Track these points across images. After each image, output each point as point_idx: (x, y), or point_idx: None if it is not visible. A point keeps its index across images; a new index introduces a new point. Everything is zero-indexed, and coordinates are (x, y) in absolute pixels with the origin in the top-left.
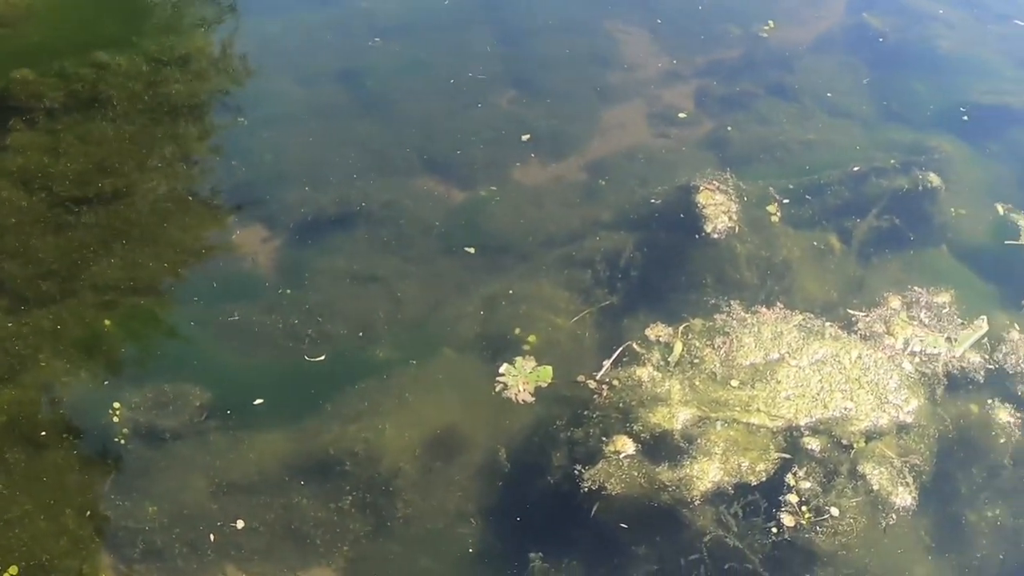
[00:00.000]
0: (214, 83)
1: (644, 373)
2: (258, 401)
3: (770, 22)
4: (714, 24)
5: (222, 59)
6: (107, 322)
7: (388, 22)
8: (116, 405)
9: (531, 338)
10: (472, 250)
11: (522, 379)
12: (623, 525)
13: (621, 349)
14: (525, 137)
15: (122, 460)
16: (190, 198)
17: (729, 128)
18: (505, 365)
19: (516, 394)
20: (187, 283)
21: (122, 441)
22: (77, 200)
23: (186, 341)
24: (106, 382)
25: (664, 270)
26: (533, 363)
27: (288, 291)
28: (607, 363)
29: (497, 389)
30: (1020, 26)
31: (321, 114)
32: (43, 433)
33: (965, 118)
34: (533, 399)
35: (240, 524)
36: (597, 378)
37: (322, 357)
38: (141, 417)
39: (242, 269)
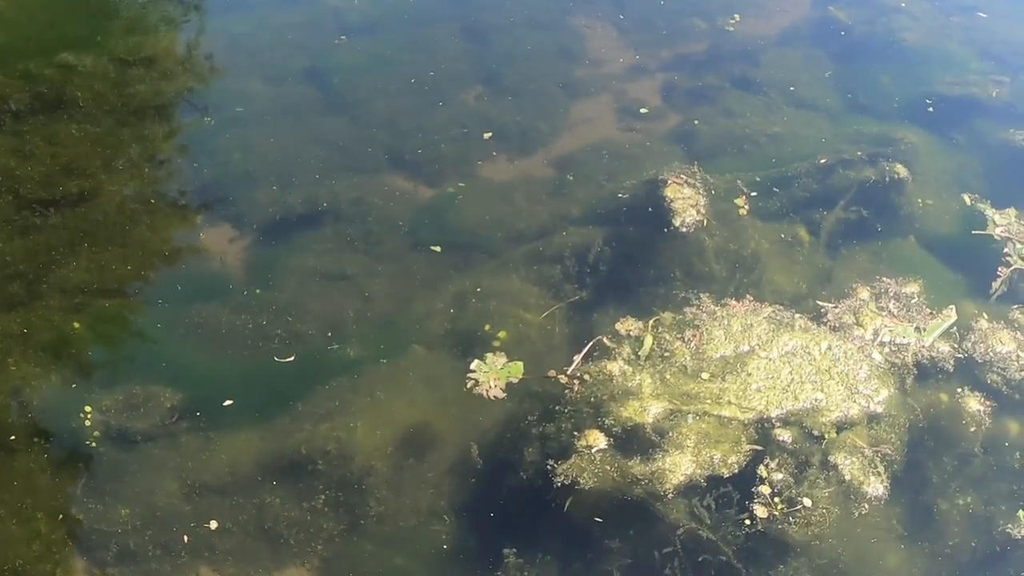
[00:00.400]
0: (180, 83)
1: (615, 367)
2: (228, 402)
3: (736, 16)
4: (679, 18)
5: (188, 58)
6: (76, 324)
7: (355, 20)
8: (86, 408)
9: (501, 334)
10: (438, 248)
11: (493, 375)
12: (598, 519)
13: (592, 343)
14: (487, 135)
15: (93, 463)
16: (157, 199)
17: (696, 122)
18: (476, 361)
19: (487, 390)
20: (155, 284)
21: (93, 444)
22: (44, 202)
23: (155, 342)
24: (76, 385)
25: (633, 264)
26: (504, 359)
27: (257, 291)
28: (577, 357)
29: (468, 385)
30: (983, 18)
31: (288, 112)
32: (13, 437)
33: (931, 109)
34: (504, 395)
35: (214, 525)
36: (568, 372)
37: (292, 358)
38: (112, 419)
39: (210, 269)
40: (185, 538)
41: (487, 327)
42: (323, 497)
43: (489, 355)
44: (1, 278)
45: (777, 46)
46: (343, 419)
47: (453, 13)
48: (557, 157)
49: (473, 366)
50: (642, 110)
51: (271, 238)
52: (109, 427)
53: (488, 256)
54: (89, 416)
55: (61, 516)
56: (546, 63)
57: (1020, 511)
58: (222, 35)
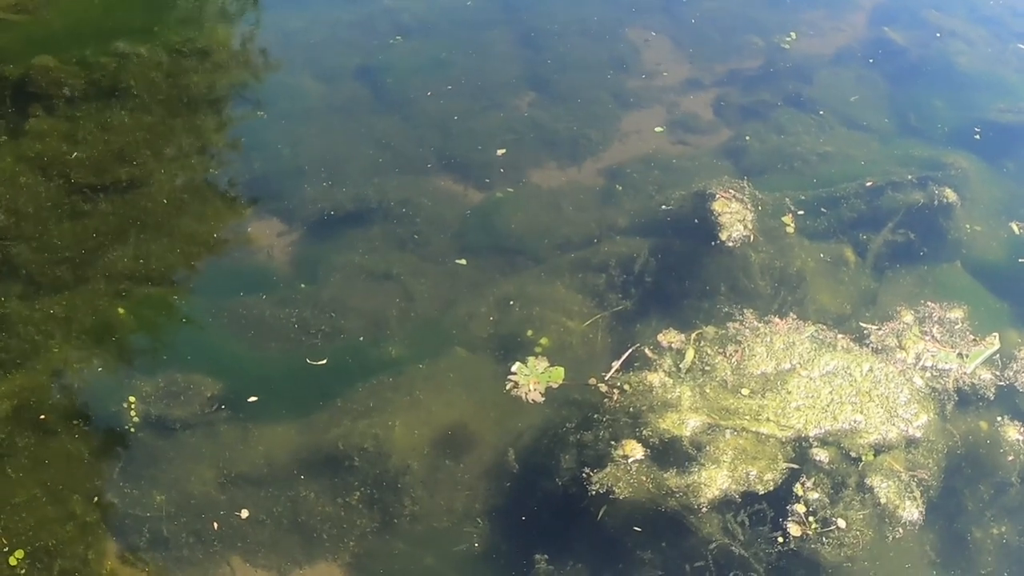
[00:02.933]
0: (233, 76)
1: (655, 379)
2: (252, 399)
3: (792, 34)
4: (736, 34)
5: (242, 52)
6: (120, 310)
7: (410, 20)
8: (127, 393)
9: (543, 340)
10: (463, 261)
11: (533, 379)
12: (631, 529)
13: (631, 351)
14: (500, 152)
15: (131, 448)
16: (206, 189)
17: (747, 137)
18: (517, 364)
19: (526, 393)
20: (201, 274)
21: (132, 429)
22: (94, 188)
23: (198, 332)
24: (118, 370)
25: (678, 277)
26: (545, 363)
27: (302, 285)
28: (616, 364)
29: (507, 387)
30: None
31: (340, 110)
32: (52, 419)
33: (977, 136)
34: (543, 399)
35: (245, 514)
36: (606, 379)
37: (324, 360)
38: (152, 406)
39: (257, 262)
40: (217, 526)
41: (529, 333)
42: (358, 494)
43: (531, 358)
44: (49, 261)
45: (831, 65)
46: (381, 417)
47: (508, 18)
48: (607, 166)
49: (514, 368)
50: (656, 128)
51: (318, 234)
52: (149, 413)
53: (534, 262)
54: (129, 401)
55: (96, 499)
56: (599, 72)
57: None
58: (277, 30)
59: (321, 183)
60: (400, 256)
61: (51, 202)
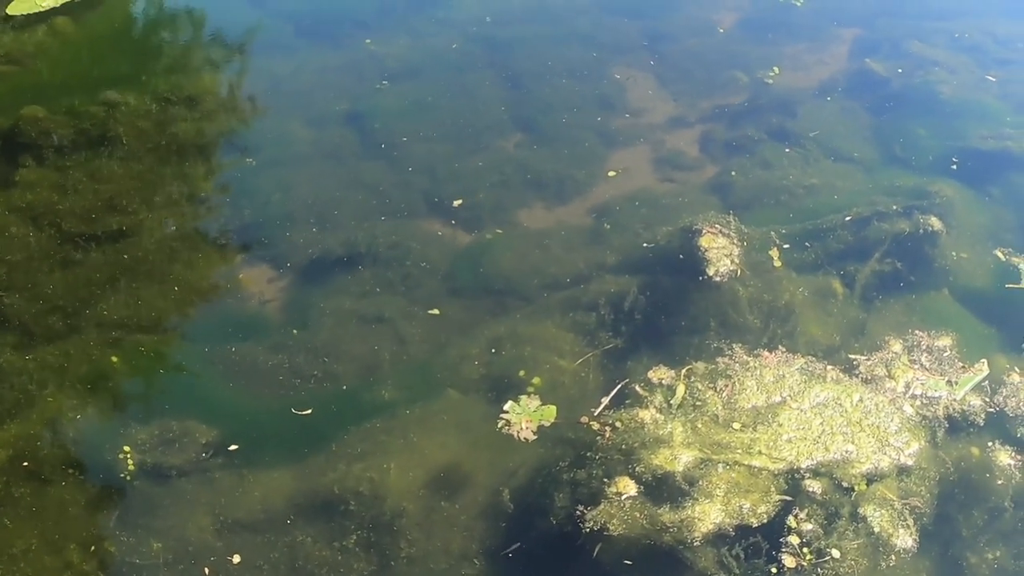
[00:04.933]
0: (222, 123)
1: (647, 415)
2: (233, 447)
3: (775, 68)
4: (719, 70)
5: (230, 99)
6: (114, 358)
7: (395, 65)
8: (122, 441)
9: (536, 380)
10: (436, 312)
11: (525, 417)
12: (627, 564)
13: (620, 386)
14: (457, 203)
15: (127, 496)
16: (197, 237)
17: (733, 173)
18: (510, 403)
19: (519, 431)
20: (193, 321)
21: (128, 477)
22: (85, 237)
23: (192, 379)
24: (112, 418)
25: (667, 313)
26: (537, 402)
27: (294, 331)
28: (605, 400)
29: (499, 425)
30: (992, 80)
31: (328, 155)
32: (48, 468)
33: (954, 167)
34: (535, 437)
35: (237, 559)
36: (595, 415)
37: (309, 411)
38: (147, 453)
39: (248, 308)
40: (208, 571)
41: (521, 373)
42: (354, 537)
43: (523, 397)
44: (41, 311)
45: (815, 98)
46: (376, 460)
47: (493, 60)
48: (594, 206)
49: (507, 407)
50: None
51: (309, 279)
52: (144, 461)
53: (524, 302)
54: (124, 449)
55: (93, 548)
56: (585, 112)
57: None
58: (264, 77)
59: (310, 228)
60: (391, 299)
61: (42, 252)
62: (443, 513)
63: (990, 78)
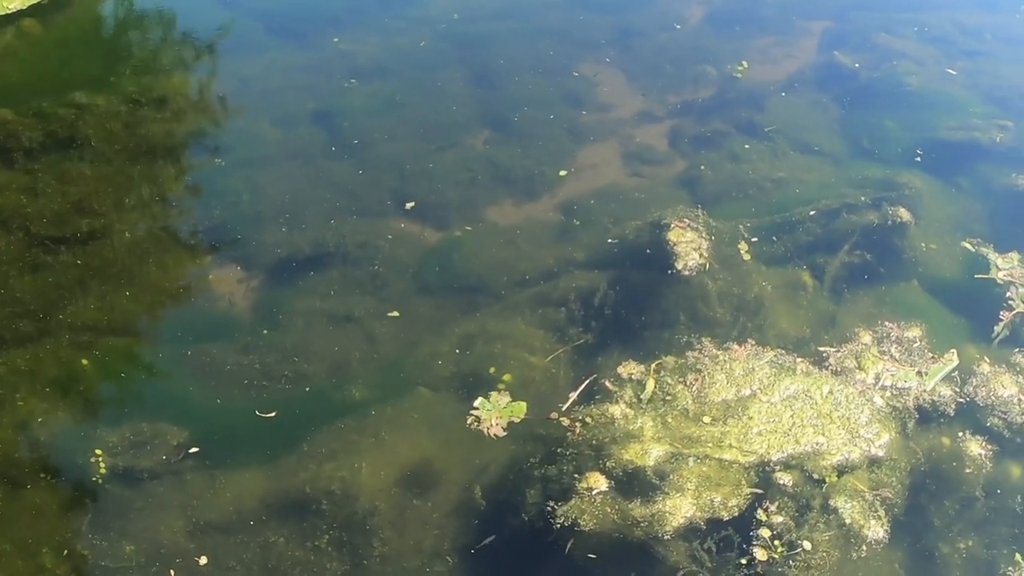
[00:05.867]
0: (191, 124)
1: (617, 410)
2: (194, 449)
3: (744, 63)
4: (688, 65)
5: (199, 100)
6: (84, 361)
7: (364, 63)
8: (93, 444)
9: (506, 377)
10: (397, 313)
11: (495, 413)
12: (598, 561)
13: (588, 382)
14: (409, 205)
15: (100, 499)
16: (167, 238)
17: (702, 167)
18: (480, 399)
19: (488, 428)
20: (164, 323)
21: (100, 481)
22: (55, 240)
23: (163, 381)
24: (84, 422)
25: (637, 308)
26: (507, 398)
27: (264, 331)
28: (573, 395)
29: (468, 422)
30: (953, 74)
31: (297, 155)
32: (20, 472)
33: (918, 159)
34: (505, 433)
35: (203, 560)
36: (563, 410)
37: (273, 413)
38: (119, 456)
39: (218, 309)
40: (172, 572)
41: (492, 370)
42: (327, 537)
43: (493, 394)
44: (11, 315)
45: (784, 92)
46: (348, 459)
47: (462, 58)
48: (563, 201)
49: (477, 403)
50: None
51: (279, 279)
52: (116, 464)
53: (494, 299)
54: (96, 452)
55: (66, 551)
56: (554, 108)
57: (1018, 554)
58: (233, 77)
59: (280, 228)
60: (360, 299)
61: (11, 255)
62: (415, 511)
63: (951, 71)
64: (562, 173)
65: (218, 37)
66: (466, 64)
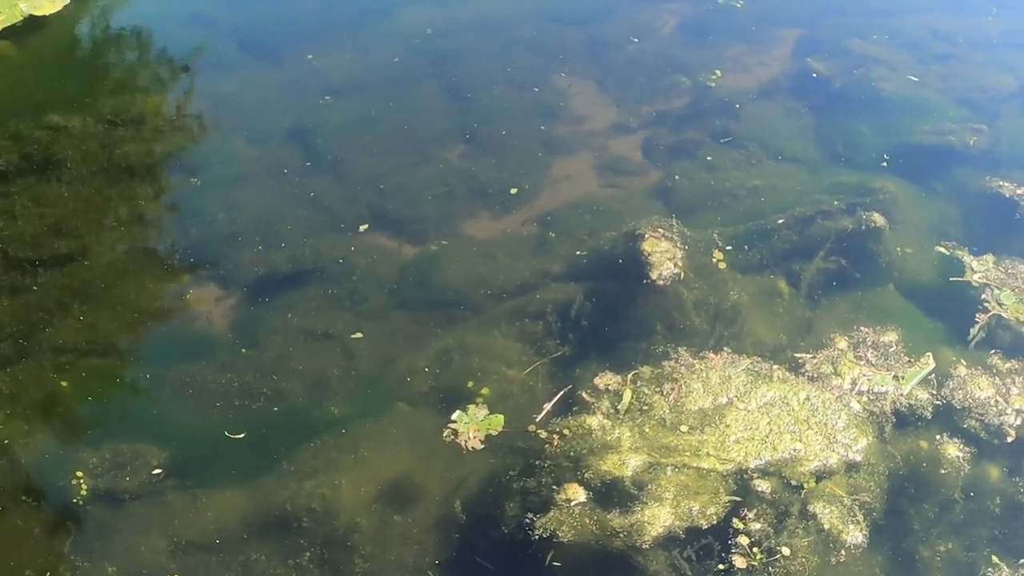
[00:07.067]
0: (168, 143)
1: (594, 421)
2: (157, 471)
3: (717, 71)
4: (661, 75)
5: (175, 119)
6: (64, 383)
7: (338, 80)
8: (74, 466)
9: (485, 390)
10: (360, 335)
11: (473, 426)
12: (579, 572)
13: (562, 393)
14: (363, 227)
15: (82, 521)
16: (144, 259)
17: (676, 177)
18: (458, 412)
19: (466, 441)
20: (143, 343)
21: (81, 502)
22: (33, 262)
23: (142, 401)
24: (64, 444)
25: (614, 319)
26: (485, 411)
27: (243, 350)
28: (547, 406)
29: (445, 435)
30: (915, 80)
31: (273, 172)
32: (2, 495)
33: (885, 164)
34: (483, 446)
35: None
36: (537, 420)
37: (243, 435)
38: (100, 478)
39: (197, 328)
40: None
41: (470, 384)
42: (308, 554)
43: (471, 407)
44: None
45: (757, 100)
46: (328, 476)
47: (435, 72)
48: (539, 214)
49: (454, 417)
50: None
51: (256, 297)
52: (97, 485)
53: (472, 313)
54: (77, 474)
55: (48, 574)
56: (528, 121)
57: (994, 556)
58: (208, 96)
59: (257, 246)
60: (338, 315)
61: None
62: (396, 527)
63: (912, 78)
64: (513, 191)
65: (193, 56)
66: (440, 78)
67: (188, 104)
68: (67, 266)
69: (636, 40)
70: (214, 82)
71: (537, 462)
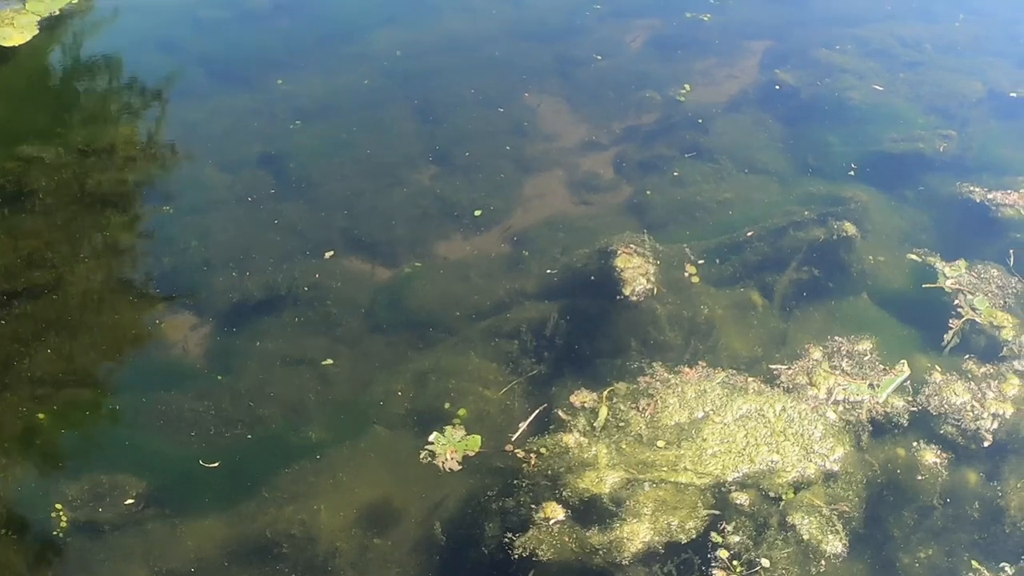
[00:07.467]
0: (140, 172)
1: (571, 439)
2: (128, 501)
3: (686, 85)
4: (630, 91)
5: (147, 147)
6: (41, 415)
7: (308, 104)
8: (53, 498)
9: (461, 411)
10: (330, 361)
11: (450, 448)
12: (531, 571)
13: (538, 412)
14: (328, 254)
15: (63, 554)
16: (119, 289)
17: (648, 192)
18: (435, 434)
19: (443, 462)
20: (119, 373)
21: (61, 534)
22: (7, 294)
23: (120, 431)
24: (43, 476)
25: (588, 336)
26: (462, 432)
27: (218, 377)
28: (523, 425)
29: (423, 456)
30: (880, 90)
31: (245, 199)
32: None
33: (852, 173)
34: (460, 467)
35: None
36: (513, 439)
37: (217, 464)
38: (79, 510)
39: (172, 357)
40: None
41: (447, 405)
42: None
43: (448, 428)
44: None
45: (727, 113)
46: (306, 502)
47: (405, 94)
48: (512, 233)
49: (431, 438)
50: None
51: (231, 324)
52: (76, 517)
53: (447, 334)
54: (56, 507)
55: None
56: (498, 140)
57: (974, 561)
58: (178, 123)
59: (230, 273)
60: (313, 340)
61: None
62: (376, 550)
63: (877, 87)
64: (477, 213)
65: (164, 84)
66: (410, 100)
67: (159, 132)
68: (42, 297)
69: (600, 58)
70: (184, 109)
71: (515, 481)
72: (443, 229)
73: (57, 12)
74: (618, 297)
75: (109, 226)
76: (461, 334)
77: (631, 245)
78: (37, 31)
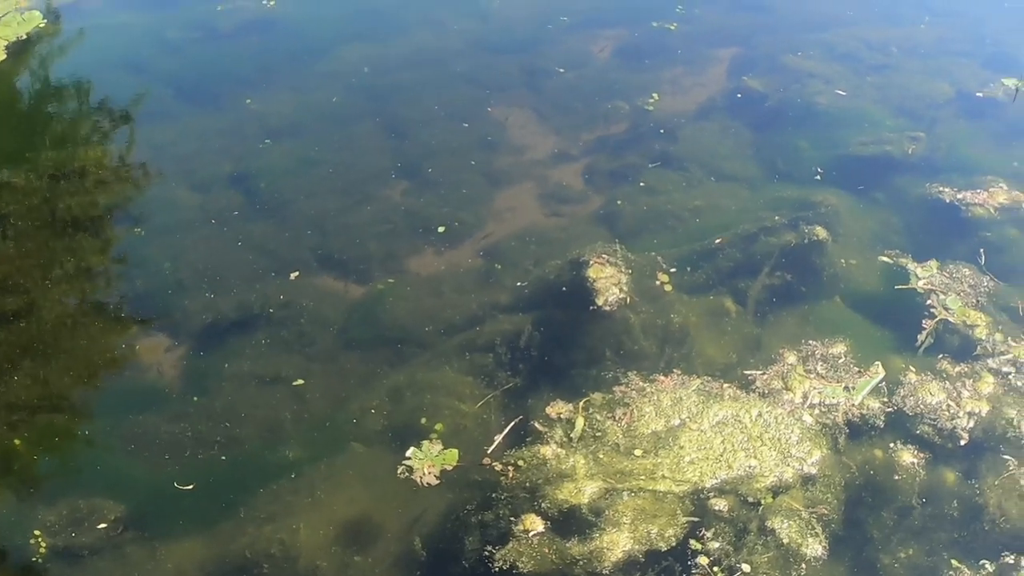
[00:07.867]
0: (111, 194)
1: (548, 451)
2: (102, 525)
3: (654, 95)
4: (598, 101)
5: (117, 170)
6: (17, 441)
7: (278, 122)
8: (32, 524)
9: (438, 426)
10: (301, 382)
11: (427, 462)
12: None
13: (513, 424)
14: (294, 274)
15: None
16: (92, 312)
17: (619, 202)
18: (412, 448)
19: (421, 477)
20: (94, 397)
21: (41, 560)
22: None
23: (97, 455)
24: (21, 502)
25: (563, 347)
26: (439, 446)
27: (194, 398)
28: (498, 438)
29: (400, 471)
30: (842, 95)
31: (216, 219)
32: None
33: (818, 177)
34: (438, 482)
35: None
36: (489, 452)
37: (192, 485)
38: (58, 536)
39: (147, 379)
40: None
41: (423, 420)
42: None
43: (425, 443)
44: None
45: (696, 121)
46: (285, 521)
47: (374, 110)
48: (484, 247)
49: (409, 453)
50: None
51: (205, 345)
52: (55, 543)
53: (421, 349)
54: (35, 534)
55: None
56: (468, 154)
57: (954, 560)
58: (148, 144)
59: (203, 294)
60: (288, 359)
61: None
62: (356, 567)
63: (840, 92)
64: (441, 229)
65: (133, 105)
66: (379, 116)
67: (129, 154)
68: (15, 323)
69: (566, 69)
70: (154, 130)
71: (494, 494)
72: (414, 244)
73: (24, 36)
74: (591, 307)
75: (81, 250)
76: (435, 349)
77: (603, 255)
78: (4, 56)
